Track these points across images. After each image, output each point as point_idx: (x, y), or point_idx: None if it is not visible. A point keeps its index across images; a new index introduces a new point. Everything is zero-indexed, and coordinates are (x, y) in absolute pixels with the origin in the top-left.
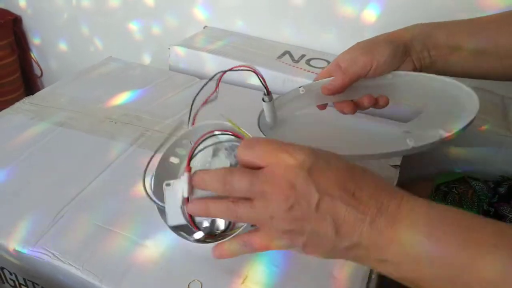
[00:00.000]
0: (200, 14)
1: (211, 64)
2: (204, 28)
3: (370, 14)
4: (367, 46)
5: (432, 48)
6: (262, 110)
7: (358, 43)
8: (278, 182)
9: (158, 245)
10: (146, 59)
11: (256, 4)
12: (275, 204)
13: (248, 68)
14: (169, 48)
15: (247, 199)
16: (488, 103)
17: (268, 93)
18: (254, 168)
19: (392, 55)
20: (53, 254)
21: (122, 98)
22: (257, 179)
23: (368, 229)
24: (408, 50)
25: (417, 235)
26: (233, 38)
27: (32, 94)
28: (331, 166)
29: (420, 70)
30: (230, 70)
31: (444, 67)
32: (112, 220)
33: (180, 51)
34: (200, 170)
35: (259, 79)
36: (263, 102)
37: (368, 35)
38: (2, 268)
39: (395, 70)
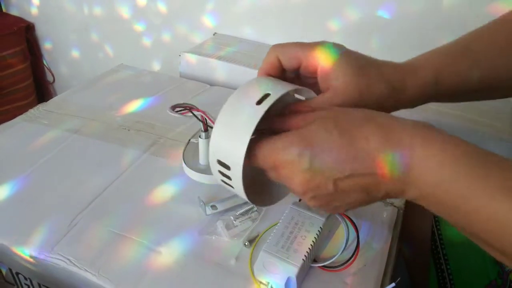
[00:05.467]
0: (209, 21)
1: (221, 70)
2: (214, 35)
3: (381, 20)
4: (366, 70)
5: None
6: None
7: (349, 54)
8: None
9: (172, 251)
10: (157, 66)
11: (265, 11)
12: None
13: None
14: (179, 55)
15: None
16: (498, 111)
17: (205, 129)
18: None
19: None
20: (69, 260)
21: (134, 105)
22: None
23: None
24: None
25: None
26: (242, 45)
27: (44, 100)
28: (325, 150)
29: None
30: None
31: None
32: (127, 226)
33: (190, 58)
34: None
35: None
36: (199, 139)
37: (375, 41)
38: (17, 274)
39: None
